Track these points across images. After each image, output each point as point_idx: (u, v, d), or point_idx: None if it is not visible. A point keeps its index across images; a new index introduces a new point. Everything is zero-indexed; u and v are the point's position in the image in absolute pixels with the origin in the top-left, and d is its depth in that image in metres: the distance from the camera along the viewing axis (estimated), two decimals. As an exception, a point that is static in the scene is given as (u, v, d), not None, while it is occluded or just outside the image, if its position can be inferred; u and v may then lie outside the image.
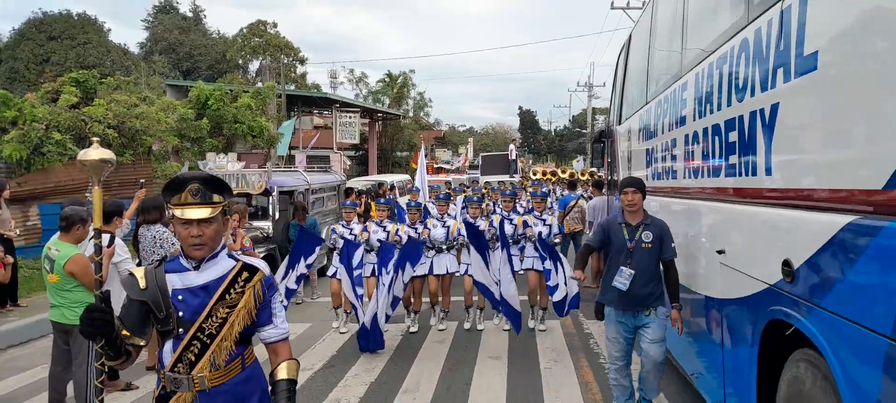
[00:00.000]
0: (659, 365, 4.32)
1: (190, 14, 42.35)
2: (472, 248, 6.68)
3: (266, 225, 9.52)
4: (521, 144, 53.99)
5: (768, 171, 3.02)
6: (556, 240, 7.43)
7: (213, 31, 42.84)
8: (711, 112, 3.92)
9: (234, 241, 6.49)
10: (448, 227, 7.39)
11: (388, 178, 19.98)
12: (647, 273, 4.29)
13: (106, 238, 4.74)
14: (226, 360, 2.26)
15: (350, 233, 7.34)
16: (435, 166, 29.14)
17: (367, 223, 7.67)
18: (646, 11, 6.67)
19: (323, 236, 8.41)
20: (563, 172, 22.73)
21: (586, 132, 40.57)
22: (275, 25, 38.60)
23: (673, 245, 4.36)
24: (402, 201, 11.30)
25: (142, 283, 2.24)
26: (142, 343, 2.29)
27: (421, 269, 7.18)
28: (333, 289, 7.45)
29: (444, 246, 7.30)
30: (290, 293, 7.00)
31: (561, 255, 6.94)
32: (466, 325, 7.35)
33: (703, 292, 4.25)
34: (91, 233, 4.83)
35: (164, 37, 38.28)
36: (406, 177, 22.37)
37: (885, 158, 2.06)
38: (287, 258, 7.02)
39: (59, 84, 13.83)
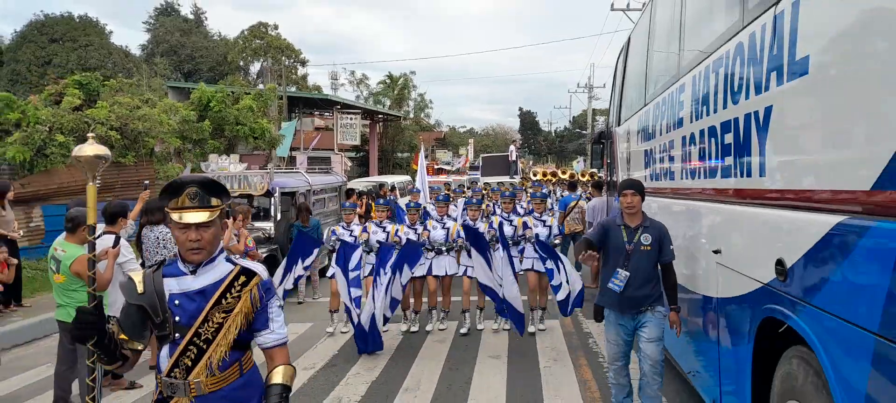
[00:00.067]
0: (657, 366, 4.28)
1: (191, 16, 42.45)
2: (473, 251, 6.67)
3: (268, 225, 9.59)
4: (522, 145, 54.05)
5: (762, 172, 3.08)
6: (556, 242, 7.47)
7: (215, 33, 42.95)
8: (708, 114, 3.98)
9: (238, 242, 6.56)
10: (448, 229, 7.41)
11: (389, 179, 20.03)
12: (644, 275, 4.27)
13: (111, 238, 4.81)
14: (222, 365, 2.23)
15: (350, 236, 7.35)
16: (435, 167, 29.19)
17: (367, 224, 7.70)
18: (644, 14, 6.73)
19: (325, 237, 8.46)
20: (564, 173, 22.77)
21: (586, 133, 40.63)
22: (276, 27, 38.75)
23: (671, 247, 4.35)
24: (403, 202, 11.35)
25: (140, 288, 2.23)
26: (140, 348, 2.28)
27: (420, 270, 7.20)
28: (333, 290, 7.47)
29: (444, 248, 7.33)
30: (285, 293, 7.05)
31: (561, 254, 6.98)
32: (463, 329, 7.26)
33: (700, 291, 4.31)
34: (97, 232, 4.92)
35: (166, 39, 38.37)
36: (407, 178, 22.42)
37: (873, 160, 2.11)
38: (284, 260, 7.07)
39: (62, 86, 13.90)
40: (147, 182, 7.07)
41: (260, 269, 2.35)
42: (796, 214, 2.72)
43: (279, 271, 6.96)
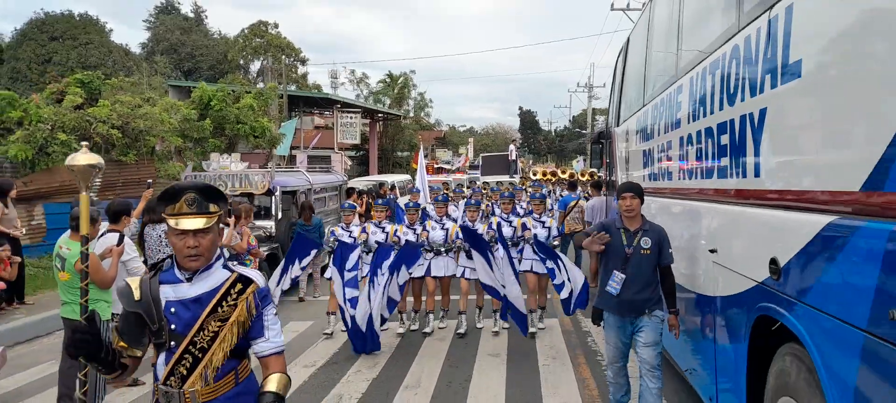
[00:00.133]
0: (655, 370, 4.22)
1: (191, 14, 42.51)
2: (474, 251, 6.66)
3: (269, 224, 9.64)
4: (522, 145, 54.08)
5: (757, 173, 3.14)
6: (556, 243, 7.47)
7: (215, 31, 43.06)
8: (705, 115, 4.04)
9: (242, 240, 6.61)
10: (447, 230, 7.38)
11: (389, 178, 20.09)
12: (643, 279, 4.23)
13: (115, 236, 4.87)
14: (218, 375, 2.21)
15: (349, 236, 7.33)
16: (435, 166, 29.24)
17: (366, 224, 7.70)
18: (643, 15, 6.78)
19: (326, 236, 8.49)
20: (563, 173, 22.84)
21: (586, 132, 40.66)
22: (276, 26, 38.91)
23: (670, 251, 4.32)
24: (402, 201, 11.39)
25: (136, 294, 2.20)
26: (139, 354, 2.27)
27: (418, 271, 7.19)
28: (332, 291, 7.42)
29: (443, 249, 7.32)
30: (283, 293, 7.07)
31: (559, 254, 7.00)
32: (460, 330, 7.23)
33: (697, 290, 4.36)
34: (101, 231, 4.98)
35: (166, 37, 38.43)
36: (407, 177, 22.48)
37: (862, 162, 2.17)
38: (283, 261, 7.09)
39: (64, 85, 13.96)
40: (150, 181, 7.14)
41: (257, 277, 2.32)
42: (789, 214, 2.78)
43: (277, 272, 6.99)
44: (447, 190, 13.95)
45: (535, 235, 7.19)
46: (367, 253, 7.28)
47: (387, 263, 6.65)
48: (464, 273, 7.25)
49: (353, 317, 6.40)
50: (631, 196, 4.29)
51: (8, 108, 11.45)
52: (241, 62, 39.75)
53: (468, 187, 14.83)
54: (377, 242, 7.22)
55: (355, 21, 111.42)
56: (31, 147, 10.97)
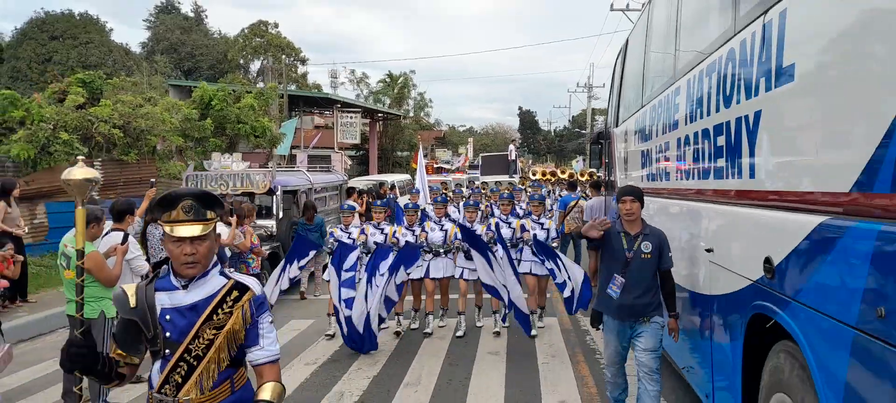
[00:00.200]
0: (653, 374, 4.22)
1: (191, 14, 42.53)
2: (474, 252, 6.67)
3: (270, 223, 9.70)
4: (521, 144, 54.15)
5: (752, 174, 3.20)
6: (554, 244, 7.48)
7: (215, 31, 43.05)
8: (701, 117, 4.10)
9: (245, 239, 6.66)
10: (446, 231, 7.37)
11: (389, 178, 20.14)
12: (644, 283, 4.21)
13: (119, 235, 4.93)
14: (213, 383, 2.19)
15: (348, 238, 7.31)
16: (435, 166, 29.28)
17: (365, 225, 7.71)
18: (641, 17, 6.83)
19: (328, 236, 8.53)
20: (563, 173, 22.92)
21: (586, 133, 40.73)
22: (276, 26, 38.95)
23: (670, 255, 4.32)
24: (402, 201, 11.44)
25: (132, 301, 2.17)
26: (137, 362, 2.26)
27: (417, 272, 7.20)
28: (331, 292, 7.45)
29: (442, 250, 7.32)
30: (281, 293, 7.11)
31: (559, 253, 7.03)
32: (459, 332, 7.20)
33: (694, 289, 4.42)
34: (105, 230, 5.03)
35: (166, 37, 38.45)
36: (407, 176, 22.54)
37: (852, 163, 2.23)
38: (282, 262, 7.13)
39: (65, 84, 14.02)
40: (153, 180, 7.19)
41: (253, 284, 2.30)
42: (783, 214, 2.84)
43: (276, 272, 7.02)
44: (446, 190, 13.98)
45: (535, 236, 7.22)
46: (367, 255, 7.27)
47: (385, 264, 6.66)
48: (462, 274, 7.25)
49: (347, 318, 6.41)
50: (631, 200, 4.25)
51: (10, 108, 11.51)
52: (241, 62, 39.78)
53: (467, 187, 14.87)
54: (376, 243, 7.23)
55: (355, 21, 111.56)
56: (33, 146, 11.03)
